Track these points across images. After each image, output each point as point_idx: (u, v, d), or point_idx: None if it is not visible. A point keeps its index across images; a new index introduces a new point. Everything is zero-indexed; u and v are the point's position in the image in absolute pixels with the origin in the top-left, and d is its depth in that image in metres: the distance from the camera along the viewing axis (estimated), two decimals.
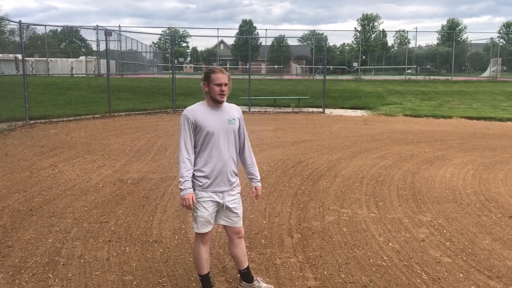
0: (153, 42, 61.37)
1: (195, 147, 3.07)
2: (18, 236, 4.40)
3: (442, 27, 70.76)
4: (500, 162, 7.79)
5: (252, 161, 3.36)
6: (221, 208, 3.17)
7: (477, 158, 8.04)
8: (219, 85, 2.99)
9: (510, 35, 63.92)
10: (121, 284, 3.48)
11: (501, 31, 64.27)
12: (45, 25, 24.81)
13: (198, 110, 3.04)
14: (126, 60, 34.85)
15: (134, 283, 3.50)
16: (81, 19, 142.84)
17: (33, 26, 26.20)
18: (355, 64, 52.77)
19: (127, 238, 4.36)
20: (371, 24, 72.57)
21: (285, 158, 7.94)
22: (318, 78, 34.45)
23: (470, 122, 13.49)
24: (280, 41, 61.39)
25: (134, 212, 5.12)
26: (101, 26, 27.27)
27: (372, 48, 65.16)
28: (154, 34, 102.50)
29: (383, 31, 70.49)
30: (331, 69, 54.30)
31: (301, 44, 72.14)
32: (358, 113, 16.15)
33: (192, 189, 3.02)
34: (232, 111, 3.16)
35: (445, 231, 4.61)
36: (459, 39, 62.60)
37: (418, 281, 3.55)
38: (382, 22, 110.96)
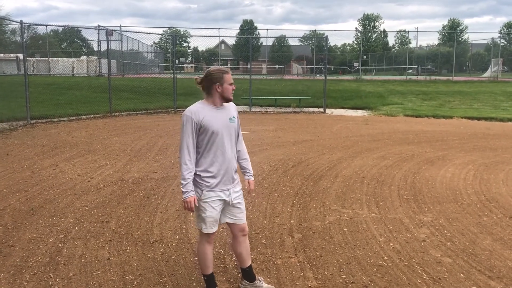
0: (154, 42, 61.39)
1: (198, 148, 3.05)
2: (19, 235, 4.40)
3: (443, 27, 70.70)
4: (501, 162, 7.79)
5: (246, 156, 3.42)
6: (226, 206, 3.18)
7: (478, 159, 8.04)
8: (231, 84, 3.09)
9: (511, 35, 63.85)
10: (122, 283, 3.49)
11: (502, 31, 64.22)
12: (46, 25, 24.84)
13: (201, 110, 3.02)
14: (127, 60, 34.87)
15: (135, 282, 3.50)
16: (82, 19, 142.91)
17: (34, 26, 26.22)
18: (356, 64, 52.75)
19: (128, 238, 4.37)
20: (372, 24, 72.51)
21: (286, 158, 7.95)
22: (319, 78, 34.45)
23: (471, 122, 13.48)
24: (281, 41, 61.41)
25: (135, 211, 5.13)
26: (102, 26, 27.30)
27: (373, 48, 65.12)
28: (155, 34, 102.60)
29: (384, 31, 70.45)
30: (332, 69, 54.28)
31: (302, 44, 72.16)
32: (359, 113, 16.15)
33: (193, 192, 3.02)
34: (231, 109, 3.21)
35: (445, 231, 4.61)
36: (460, 39, 62.58)
37: (419, 281, 3.55)
38: (383, 22, 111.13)
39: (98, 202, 5.45)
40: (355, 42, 70.85)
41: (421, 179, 6.60)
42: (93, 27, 27.96)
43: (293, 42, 67.38)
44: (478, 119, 14.22)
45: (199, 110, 3.03)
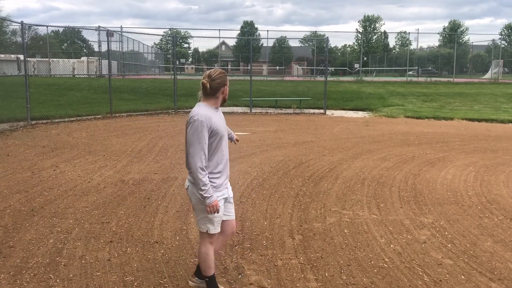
0: (154, 43, 61.46)
1: (208, 150, 3.05)
2: (20, 236, 4.40)
3: (444, 28, 70.73)
4: (501, 164, 7.78)
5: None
6: (223, 204, 3.23)
7: (479, 160, 8.03)
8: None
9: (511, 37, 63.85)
10: (122, 284, 3.48)
11: (503, 33, 64.24)
12: (47, 26, 24.87)
13: (210, 115, 3.02)
14: (128, 61, 34.90)
15: (135, 284, 3.50)
16: (83, 19, 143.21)
17: (35, 27, 26.27)
18: (356, 65, 52.77)
19: (128, 239, 4.36)
20: (372, 26, 72.56)
21: (286, 159, 7.94)
22: (320, 79, 34.45)
23: (472, 124, 13.48)
24: (281, 42, 61.42)
25: (135, 213, 5.12)
26: (103, 27, 27.31)
27: (373, 50, 65.15)
28: (155, 35, 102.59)
29: (385, 32, 70.44)
30: (333, 70, 54.30)
31: (302, 45, 72.21)
32: (360, 114, 16.15)
33: (215, 195, 3.05)
34: (219, 109, 3.26)
35: (446, 233, 4.60)
36: (460, 40, 62.58)
37: (420, 283, 3.54)
38: (384, 24, 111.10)
39: (98, 203, 5.44)
40: (356, 44, 70.90)
41: (421, 181, 6.60)
42: (93, 28, 27.99)
43: (293, 43, 67.41)
44: (479, 120, 14.21)
45: (209, 114, 3.02)
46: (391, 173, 7.02)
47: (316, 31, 70.70)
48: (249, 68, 19.98)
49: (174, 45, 18.16)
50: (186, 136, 3.01)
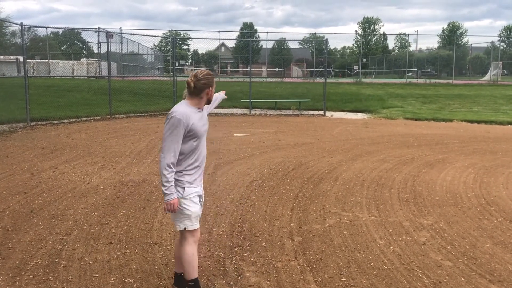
0: (154, 45, 61.42)
1: (182, 151, 3.03)
2: (19, 238, 4.39)
3: (443, 30, 70.88)
4: (501, 165, 7.78)
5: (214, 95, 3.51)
6: (198, 201, 3.21)
7: (478, 162, 8.04)
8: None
9: (511, 39, 63.96)
10: (122, 286, 3.48)
11: (502, 35, 64.34)
12: (46, 27, 24.84)
13: (190, 114, 3.01)
14: (127, 62, 34.89)
15: (135, 285, 3.49)
16: (83, 21, 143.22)
17: (35, 28, 26.26)
18: (355, 67, 52.82)
19: (128, 241, 4.36)
20: (372, 27, 72.66)
21: (285, 161, 7.94)
22: (319, 81, 34.48)
23: (471, 126, 13.49)
24: (281, 44, 61.49)
25: (135, 214, 5.12)
26: (103, 28, 27.29)
27: (373, 51, 65.26)
28: (155, 36, 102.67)
29: (384, 34, 70.62)
30: (332, 72, 54.36)
31: (302, 47, 72.29)
32: (359, 116, 16.16)
33: (176, 194, 3.02)
34: (204, 109, 3.24)
35: (446, 234, 4.60)
36: (459, 42, 62.69)
37: (419, 284, 3.54)
38: (383, 25, 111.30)
39: (97, 205, 5.44)
40: (355, 45, 71.00)
41: (421, 182, 6.60)
42: (93, 29, 27.98)
43: (293, 45, 67.53)
44: (478, 122, 14.23)
45: (189, 113, 3.00)
46: (390, 175, 7.02)
47: (315, 33, 70.81)
48: (248, 69, 19.99)
49: (173, 47, 18.17)
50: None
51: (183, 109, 3.01)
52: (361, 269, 3.79)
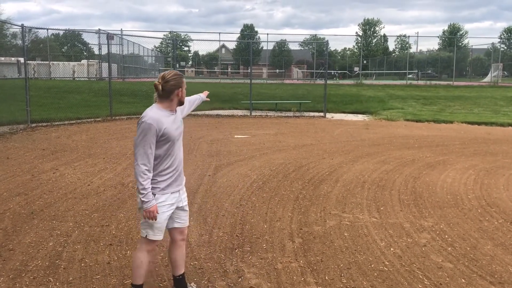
0: (155, 46, 61.41)
1: (157, 153, 2.96)
2: (19, 239, 4.39)
3: (443, 32, 70.85)
4: (501, 167, 7.78)
5: (191, 98, 3.56)
6: (174, 211, 3.15)
7: (479, 163, 8.03)
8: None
9: (511, 40, 63.95)
10: None
11: (503, 36, 64.33)
12: (47, 29, 24.85)
13: (162, 119, 2.92)
14: (128, 63, 34.92)
15: None
16: (83, 22, 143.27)
17: (35, 30, 26.19)
18: (356, 68, 52.84)
19: (128, 242, 4.36)
20: (372, 29, 72.67)
21: (286, 163, 7.94)
22: (319, 82, 34.49)
23: (471, 127, 13.49)
24: (281, 45, 61.54)
25: (135, 215, 5.11)
26: (103, 30, 27.32)
27: (373, 53, 65.26)
28: (156, 38, 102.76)
29: (384, 36, 70.60)
30: (333, 73, 54.37)
31: (302, 48, 72.31)
32: (359, 117, 16.16)
33: (155, 200, 2.95)
34: (178, 110, 3.15)
35: (446, 236, 4.60)
36: (460, 44, 62.69)
37: (420, 286, 3.53)
38: (384, 27, 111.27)
39: (98, 206, 5.44)
40: (356, 47, 71.02)
41: (421, 184, 6.59)
42: (94, 31, 28.04)
43: (293, 46, 67.55)
44: (479, 124, 14.22)
45: (160, 118, 2.92)
46: (391, 176, 7.02)
47: (316, 35, 70.86)
48: (249, 71, 20.01)
49: (174, 48, 18.21)
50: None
51: (154, 113, 2.92)
52: (362, 271, 3.79)
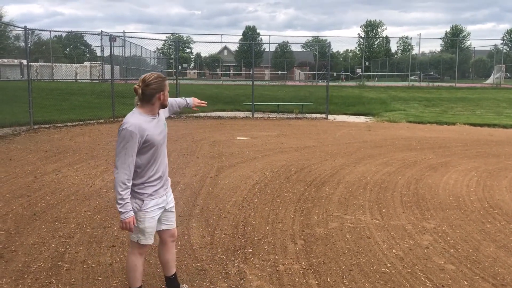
0: (157, 48, 61.59)
1: (140, 162, 2.89)
2: (22, 240, 4.40)
3: (446, 33, 70.74)
4: (504, 169, 7.76)
5: (177, 100, 3.54)
6: (162, 213, 3.12)
7: (481, 165, 8.01)
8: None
9: None
10: None
11: (505, 38, 64.20)
12: (50, 31, 25.03)
13: (144, 124, 2.83)
14: (130, 65, 35.00)
15: None
16: (86, 24, 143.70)
17: (38, 32, 26.25)
18: (358, 70, 52.81)
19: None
20: (374, 31, 72.65)
21: (288, 164, 7.94)
22: (322, 84, 34.48)
23: (474, 129, 13.46)
24: (283, 47, 61.55)
25: None
26: (106, 32, 27.43)
27: (375, 55, 65.22)
28: (158, 40, 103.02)
29: (387, 37, 70.53)
30: (335, 75, 54.37)
31: (304, 50, 72.34)
32: (362, 119, 16.14)
33: (132, 211, 2.89)
34: (161, 113, 3.09)
35: (449, 238, 4.59)
36: (462, 45, 62.59)
37: None
38: (386, 29, 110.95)
39: (100, 208, 5.45)
40: (358, 49, 71.02)
41: (424, 186, 6.58)
42: (96, 32, 28.10)
43: (295, 48, 67.52)
44: (481, 125, 14.19)
45: (142, 124, 2.81)
46: (393, 178, 7.01)
47: (318, 36, 70.81)
48: (251, 73, 20.02)
49: (176, 50, 18.21)
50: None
51: (135, 119, 2.81)
52: (364, 273, 3.79)
